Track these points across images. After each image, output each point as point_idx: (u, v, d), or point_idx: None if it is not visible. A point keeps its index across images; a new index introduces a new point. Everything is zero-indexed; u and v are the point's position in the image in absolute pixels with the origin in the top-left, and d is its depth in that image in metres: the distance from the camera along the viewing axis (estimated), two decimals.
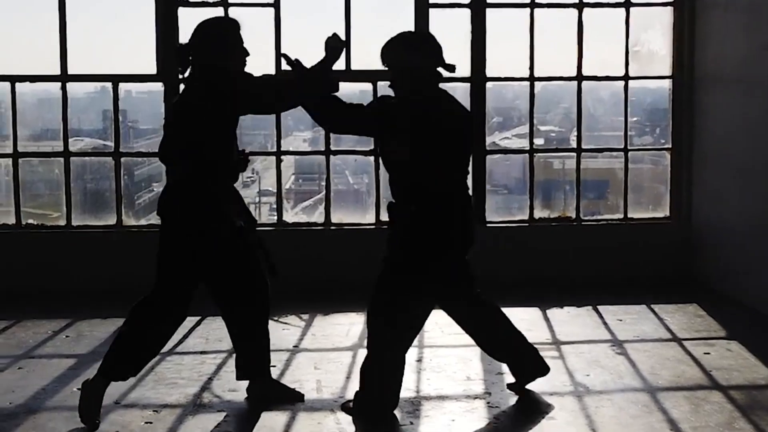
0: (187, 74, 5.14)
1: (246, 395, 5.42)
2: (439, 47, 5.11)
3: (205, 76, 5.01)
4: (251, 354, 5.36)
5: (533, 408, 5.27)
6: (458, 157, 5.11)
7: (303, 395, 5.43)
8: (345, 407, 5.25)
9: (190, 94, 5.06)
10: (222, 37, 5.04)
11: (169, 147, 5.10)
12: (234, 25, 5.12)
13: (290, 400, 5.38)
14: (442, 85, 5.16)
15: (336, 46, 5.14)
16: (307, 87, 5.13)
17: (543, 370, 5.52)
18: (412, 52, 5.05)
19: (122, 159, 8.29)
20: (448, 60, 5.12)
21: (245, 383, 5.44)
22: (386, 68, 5.12)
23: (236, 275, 5.19)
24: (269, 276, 5.27)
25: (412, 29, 8.16)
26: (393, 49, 5.11)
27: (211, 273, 5.16)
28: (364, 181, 9.10)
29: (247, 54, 5.11)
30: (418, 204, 5.00)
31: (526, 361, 5.52)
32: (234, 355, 5.45)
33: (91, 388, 5.04)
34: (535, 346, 6.22)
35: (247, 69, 5.13)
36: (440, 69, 5.11)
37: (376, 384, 5.15)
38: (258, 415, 5.16)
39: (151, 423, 5.03)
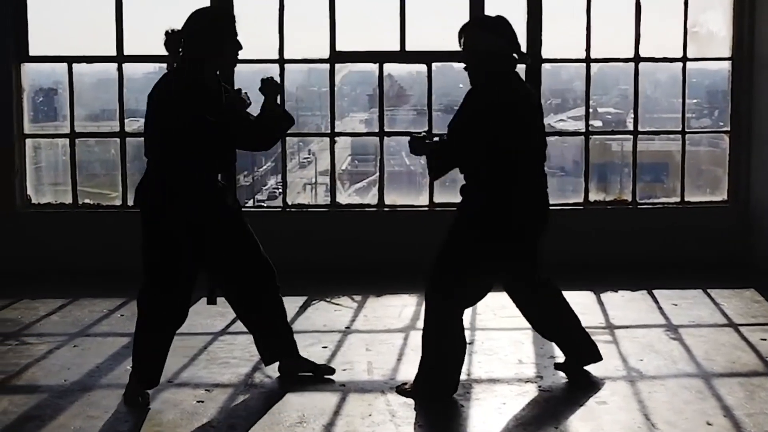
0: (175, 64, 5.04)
1: (279, 377, 5.45)
2: (514, 33, 5.09)
3: (188, 79, 4.91)
4: (272, 337, 5.37)
5: (585, 392, 5.22)
6: (531, 142, 5.08)
7: (333, 369, 5.47)
8: (400, 389, 5.24)
9: (168, 88, 4.93)
10: (213, 28, 4.95)
11: (145, 139, 5.04)
12: (228, 17, 5.03)
13: (321, 375, 5.41)
14: None
15: (270, 89, 5.13)
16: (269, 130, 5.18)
17: (595, 356, 5.47)
18: (486, 35, 5.03)
19: None
20: (522, 41, 5.12)
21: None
22: (463, 51, 5.12)
23: (234, 264, 5.19)
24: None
25: (468, 10, 8.12)
26: (468, 31, 5.11)
27: (207, 265, 5.17)
28: (420, 162, 9.07)
29: (240, 48, 5.02)
30: (490, 190, 4.99)
31: (581, 347, 5.47)
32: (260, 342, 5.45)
33: (130, 385, 5.12)
34: (589, 330, 6.20)
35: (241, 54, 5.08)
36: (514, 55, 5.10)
37: (438, 361, 5.14)
38: (309, 395, 5.17)
39: (202, 402, 5.07)
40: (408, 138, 5.25)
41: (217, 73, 5.12)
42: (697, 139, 8.91)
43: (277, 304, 5.34)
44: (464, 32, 5.10)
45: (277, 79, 5.29)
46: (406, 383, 5.27)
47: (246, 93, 5.09)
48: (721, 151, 8.68)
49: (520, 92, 5.05)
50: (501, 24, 5.10)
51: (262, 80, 5.13)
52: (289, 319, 5.53)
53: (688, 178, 8.55)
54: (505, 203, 4.99)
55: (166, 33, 5.00)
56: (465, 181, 5.14)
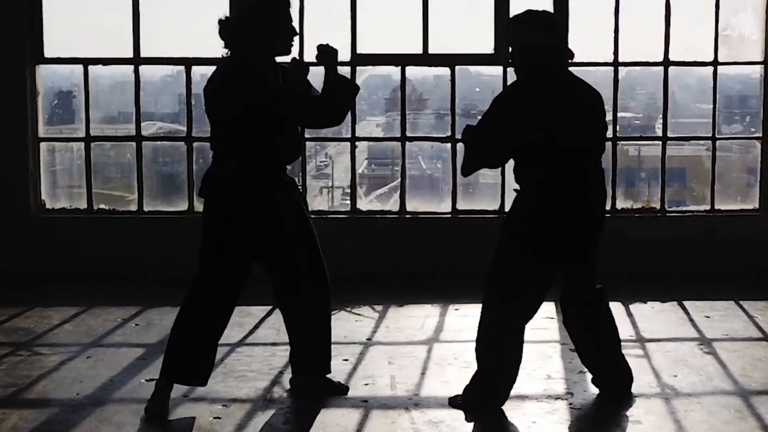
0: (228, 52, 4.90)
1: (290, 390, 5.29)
2: (564, 28, 4.91)
3: (243, 68, 4.77)
4: (307, 349, 5.20)
5: (618, 411, 5.00)
6: (585, 140, 4.91)
7: (348, 388, 5.29)
8: (452, 401, 5.06)
9: (221, 80, 4.82)
10: (268, 14, 4.80)
11: (211, 134, 4.98)
12: (282, 2, 4.86)
13: (334, 393, 5.22)
14: None
15: (326, 56, 4.88)
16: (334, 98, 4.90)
17: (621, 389, 5.25)
18: (536, 30, 4.85)
19: (194, 144, 8.18)
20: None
21: None
22: (510, 46, 4.96)
23: (289, 267, 5.03)
24: None
25: (493, 13, 7.94)
26: (517, 26, 4.94)
27: (265, 263, 5.02)
28: (438, 166, 8.90)
29: (295, 33, 4.90)
30: (534, 189, 4.85)
31: (607, 375, 5.25)
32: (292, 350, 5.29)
33: (157, 389, 4.94)
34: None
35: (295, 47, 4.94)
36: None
37: (487, 370, 5.00)
38: (330, 412, 4.97)
39: (219, 418, 4.87)
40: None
41: (275, 59, 4.95)
42: (726, 145, 8.68)
43: (317, 314, 5.15)
44: (511, 27, 4.96)
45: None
46: (458, 395, 5.08)
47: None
48: (752, 157, 8.47)
49: (563, 89, 4.86)
50: (546, 18, 4.93)
51: (319, 47, 4.87)
52: None
53: (718, 185, 8.33)
54: (545, 203, 4.82)
55: (220, 21, 4.87)
56: (516, 182, 5.01)
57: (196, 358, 4.95)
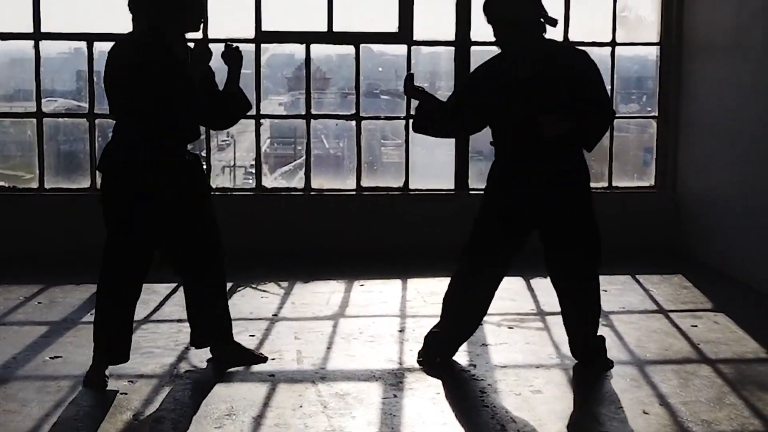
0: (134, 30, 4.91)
1: (210, 360, 5.34)
2: None
3: (155, 47, 4.76)
4: (207, 320, 5.26)
5: (519, 381, 5.13)
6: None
7: (267, 357, 5.39)
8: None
9: (130, 53, 4.78)
10: None
11: (111, 106, 4.95)
12: None
13: (253, 362, 5.31)
14: None
15: (233, 60, 4.99)
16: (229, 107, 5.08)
17: (576, 355, 5.42)
18: (518, 4, 4.92)
19: (96, 120, 8.09)
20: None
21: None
22: (491, 24, 5.00)
23: (187, 242, 5.06)
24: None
25: None
26: (498, 2, 4.97)
27: (162, 238, 5.02)
28: (341, 145, 8.94)
29: (202, 16, 4.90)
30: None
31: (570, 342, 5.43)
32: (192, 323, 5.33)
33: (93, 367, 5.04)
34: (520, 316, 6.15)
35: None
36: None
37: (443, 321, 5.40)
38: (237, 386, 5.01)
39: (126, 394, 4.86)
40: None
41: (184, 37, 4.95)
42: (623, 124, 8.89)
43: (210, 290, 5.19)
44: (492, 4, 4.97)
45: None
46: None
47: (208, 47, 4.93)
48: (648, 136, 8.69)
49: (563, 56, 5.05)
50: None
51: (227, 46, 4.97)
52: None
53: (614, 163, 8.54)
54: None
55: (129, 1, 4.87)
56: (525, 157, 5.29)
57: (114, 338, 5.05)
